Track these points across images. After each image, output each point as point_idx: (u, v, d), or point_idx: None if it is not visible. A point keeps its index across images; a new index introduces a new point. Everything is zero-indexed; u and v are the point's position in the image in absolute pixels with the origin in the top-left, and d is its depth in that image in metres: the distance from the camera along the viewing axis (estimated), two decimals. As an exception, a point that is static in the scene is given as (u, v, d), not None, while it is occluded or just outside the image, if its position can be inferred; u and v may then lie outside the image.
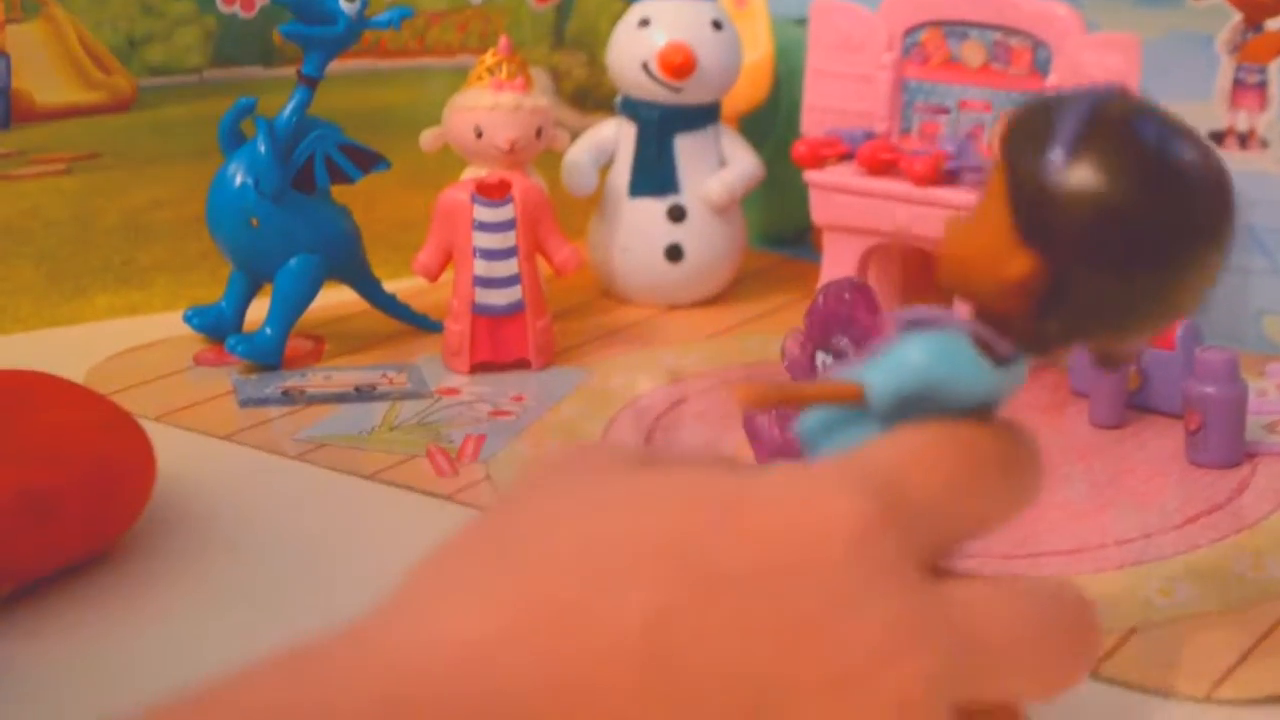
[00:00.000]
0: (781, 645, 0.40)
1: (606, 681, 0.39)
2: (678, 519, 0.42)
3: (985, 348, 0.46)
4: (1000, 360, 0.47)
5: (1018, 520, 0.48)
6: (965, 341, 0.46)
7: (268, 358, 0.90)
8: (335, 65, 0.94)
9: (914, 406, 0.46)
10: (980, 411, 0.47)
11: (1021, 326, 0.46)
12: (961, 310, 0.47)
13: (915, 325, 0.47)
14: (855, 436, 0.47)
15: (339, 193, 0.95)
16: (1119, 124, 0.44)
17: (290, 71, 0.94)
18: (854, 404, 0.47)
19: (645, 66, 1.00)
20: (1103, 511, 0.73)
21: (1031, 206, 0.44)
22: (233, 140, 0.93)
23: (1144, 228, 0.44)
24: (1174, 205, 0.44)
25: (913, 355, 0.46)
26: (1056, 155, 0.44)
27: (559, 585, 0.40)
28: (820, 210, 0.93)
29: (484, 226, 0.90)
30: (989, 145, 0.93)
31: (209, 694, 0.39)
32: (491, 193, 0.91)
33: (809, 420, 0.48)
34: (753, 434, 0.74)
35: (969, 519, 0.46)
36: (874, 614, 0.41)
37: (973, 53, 0.95)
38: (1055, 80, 0.90)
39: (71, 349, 0.93)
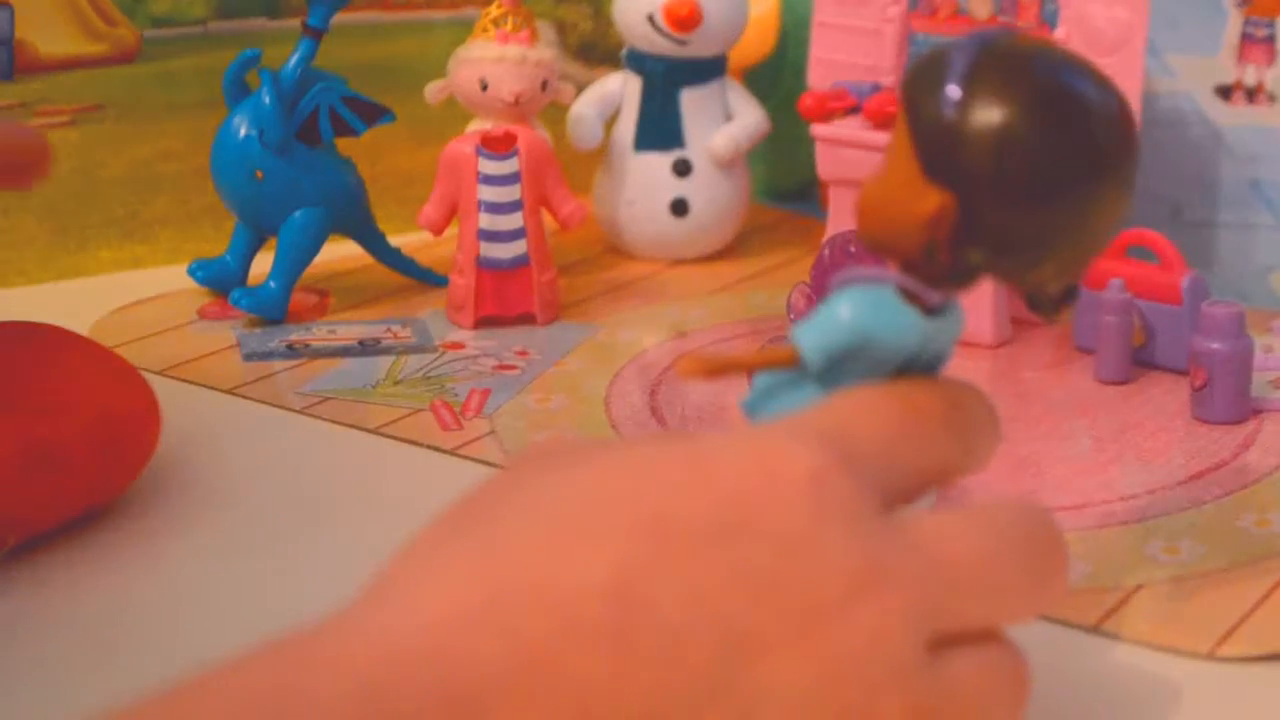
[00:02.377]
0: (746, 595, 0.41)
1: (573, 652, 0.39)
2: (634, 483, 0.43)
3: (912, 298, 0.48)
4: (930, 310, 0.48)
5: (979, 469, 0.50)
6: (891, 293, 0.47)
7: (272, 311, 0.90)
8: (340, 17, 0.93)
9: (850, 363, 0.48)
10: (923, 366, 0.49)
11: (941, 266, 0.47)
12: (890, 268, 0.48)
13: (848, 285, 0.48)
14: (797, 401, 0.48)
15: (344, 145, 0.95)
16: (1010, 59, 0.46)
17: (295, 23, 0.94)
18: (791, 368, 0.48)
19: (651, 19, 1.00)
20: (1107, 467, 0.73)
21: (932, 143, 0.46)
22: (237, 92, 0.93)
23: (1041, 156, 0.45)
24: (1069, 134, 0.46)
25: (839, 311, 0.47)
26: (952, 91, 0.45)
27: (520, 559, 0.41)
28: (826, 164, 0.93)
29: (489, 180, 0.90)
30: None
31: (196, 683, 0.39)
32: (496, 146, 0.90)
33: (753, 389, 0.50)
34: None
35: (922, 469, 0.47)
36: (835, 555, 0.42)
37: (980, 5, 0.94)
38: (1063, 33, 0.90)
39: (76, 302, 0.93)
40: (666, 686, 0.40)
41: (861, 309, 0.47)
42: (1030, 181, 0.45)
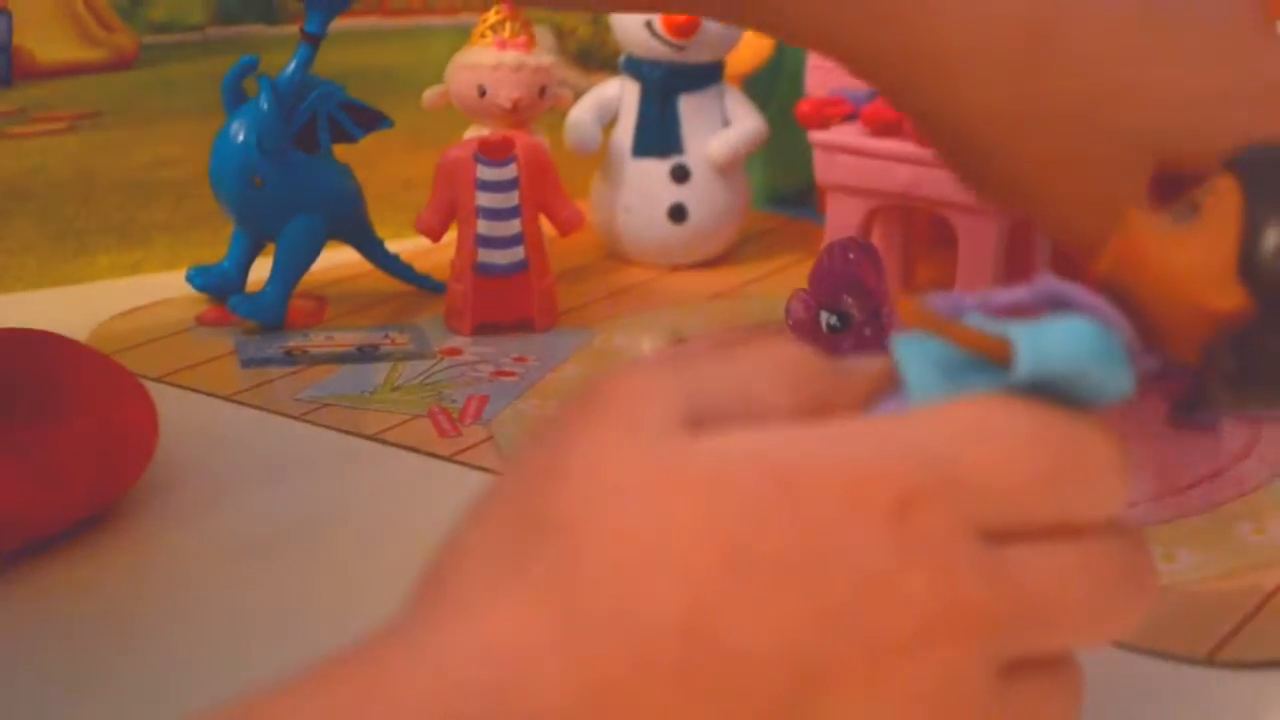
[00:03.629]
0: (820, 630, 0.40)
1: (644, 688, 0.39)
2: (714, 506, 0.40)
3: (1132, 357, 0.44)
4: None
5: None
6: (1121, 345, 0.43)
7: (270, 317, 0.90)
8: (338, 23, 0.93)
9: (1042, 385, 0.43)
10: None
11: (1182, 357, 0.45)
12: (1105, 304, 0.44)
13: (1066, 304, 0.44)
14: (966, 384, 0.44)
15: (341, 152, 0.95)
16: None
17: (293, 29, 0.94)
18: (990, 357, 0.43)
19: (649, 25, 1.00)
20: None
21: (1267, 252, 0.43)
22: (235, 98, 0.93)
23: None
24: None
25: (1076, 342, 0.43)
26: None
27: (595, 588, 0.39)
28: (824, 170, 0.93)
29: (487, 186, 0.90)
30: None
31: (250, 710, 0.39)
32: (494, 152, 0.90)
33: (927, 352, 0.45)
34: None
35: (1041, 519, 0.43)
36: (914, 594, 0.40)
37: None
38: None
39: (74, 308, 0.93)
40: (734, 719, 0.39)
41: (1097, 352, 0.43)
42: None
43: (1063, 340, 0.43)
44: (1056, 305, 0.44)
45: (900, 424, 0.43)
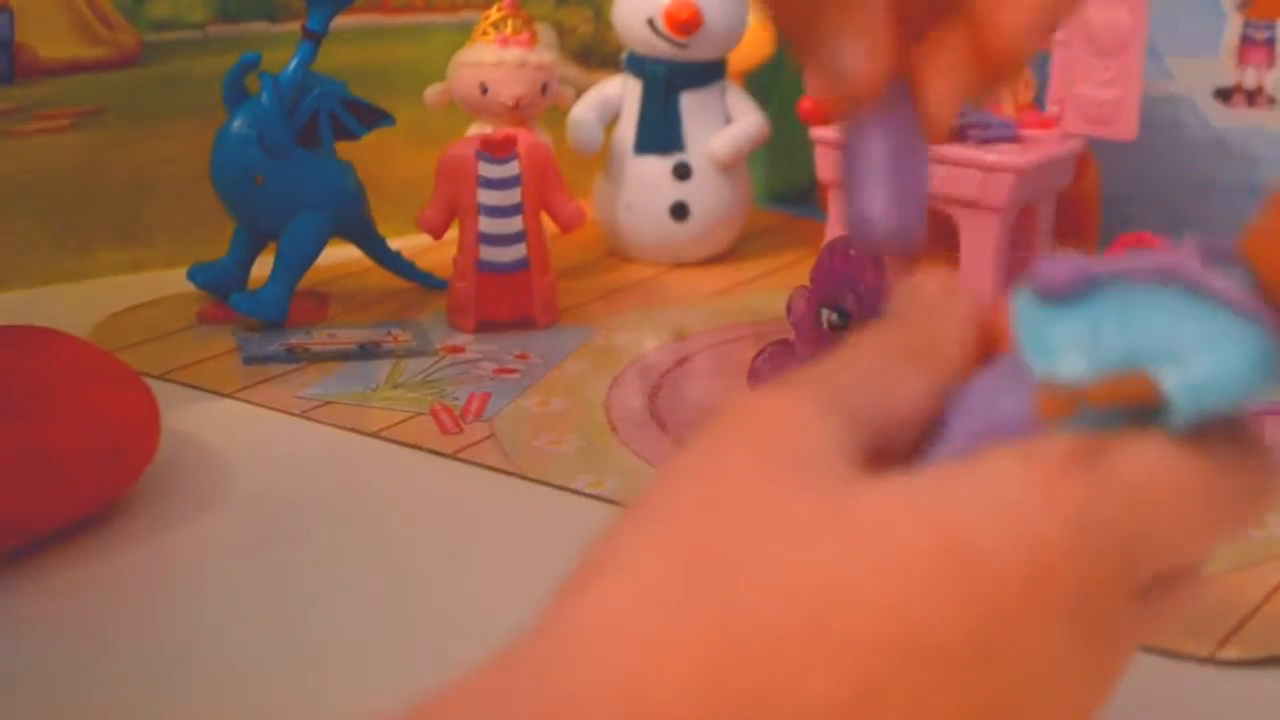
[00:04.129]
0: (985, 715, 0.37)
1: None
2: (885, 574, 0.37)
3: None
4: None
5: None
6: (1272, 354, 0.38)
7: (272, 315, 0.90)
8: (340, 21, 0.93)
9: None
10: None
11: None
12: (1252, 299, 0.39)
13: (1215, 296, 0.38)
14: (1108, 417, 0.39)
15: (343, 149, 0.94)
16: None
17: (295, 27, 0.94)
18: (1142, 404, 0.39)
19: (651, 22, 1.00)
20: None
21: None
22: (237, 96, 0.93)
23: None
24: None
25: (1234, 370, 0.38)
26: None
27: (755, 656, 0.36)
28: (826, 167, 0.93)
29: (489, 183, 0.90)
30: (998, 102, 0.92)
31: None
32: (496, 149, 0.90)
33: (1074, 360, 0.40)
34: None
35: (1195, 561, 0.42)
36: (1078, 688, 0.39)
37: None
38: (1063, 36, 0.90)
39: (76, 306, 0.93)
40: None
41: (1260, 370, 0.38)
42: None
43: (1219, 374, 0.38)
44: (1202, 282, 0.38)
45: (1072, 484, 0.38)
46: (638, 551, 0.38)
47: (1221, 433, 0.39)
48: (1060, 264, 0.40)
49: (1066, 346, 0.39)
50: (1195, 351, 0.38)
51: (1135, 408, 0.39)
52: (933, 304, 0.44)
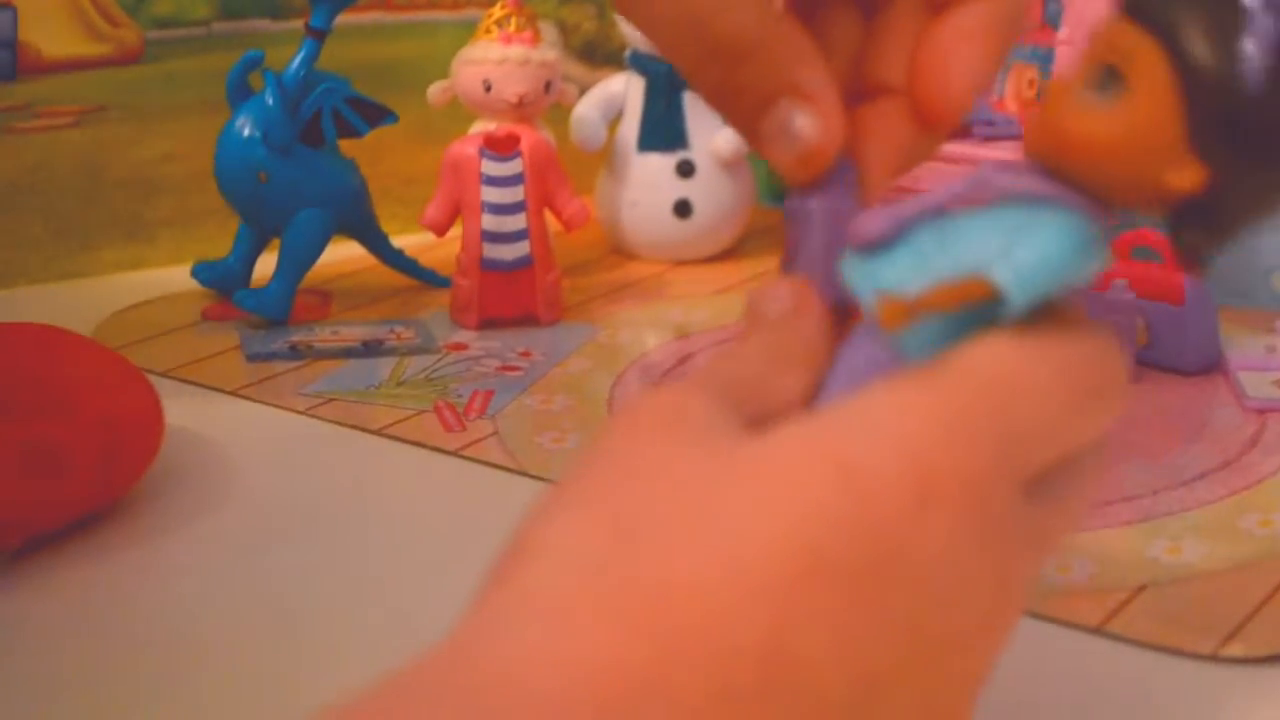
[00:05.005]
0: (888, 637, 0.38)
1: (721, 705, 0.36)
2: (789, 512, 0.38)
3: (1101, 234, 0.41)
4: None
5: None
6: (1090, 228, 0.41)
7: (275, 312, 0.90)
8: (343, 18, 0.93)
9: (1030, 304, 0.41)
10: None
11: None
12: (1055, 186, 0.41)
13: (1018, 198, 0.41)
14: (958, 333, 0.41)
15: (347, 147, 0.95)
16: None
17: (298, 24, 0.94)
18: (977, 304, 0.41)
19: (654, 20, 0.99)
20: (1110, 468, 0.73)
21: (1217, 117, 0.38)
22: (241, 93, 0.93)
23: None
24: None
25: (1054, 254, 0.40)
26: (1258, 54, 0.37)
27: (688, 613, 0.37)
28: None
29: (492, 181, 0.90)
30: (1002, 96, 0.92)
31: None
32: (500, 147, 0.90)
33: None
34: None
35: (1070, 445, 0.43)
36: (983, 588, 0.40)
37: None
38: (1065, 33, 0.90)
39: (79, 303, 0.93)
40: None
41: (1077, 251, 0.40)
42: None
43: (1041, 256, 0.40)
44: (1003, 192, 0.41)
45: (933, 391, 0.40)
46: (560, 529, 0.39)
47: (1062, 320, 0.42)
48: (871, 215, 0.42)
49: (898, 278, 0.42)
50: (1015, 244, 0.40)
51: (974, 312, 0.41)
52: (794, 307, 0.45)
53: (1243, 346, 0.84)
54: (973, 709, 0.42)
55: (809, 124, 0.47)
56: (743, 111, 0.48)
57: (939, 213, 0.42)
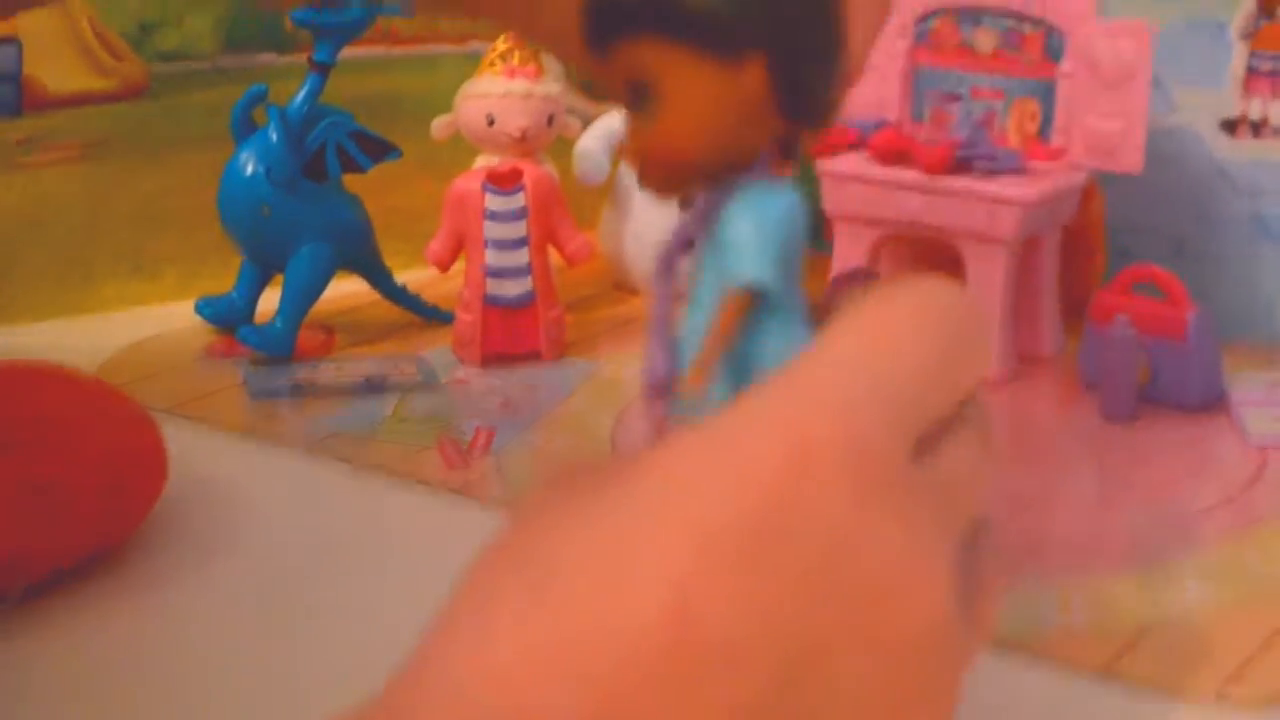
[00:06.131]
0: (799, 600, 0.39)
1: (641, 690, 0.38)
2: (671, 496, 0.40)
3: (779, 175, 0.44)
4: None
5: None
6: (764, 183, 0.44)
7: (279, 349, 0.90)
8: (347, 52, 0.94)
9: (784, 274, 0.44)
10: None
11: (770, 134, 0.44)
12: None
13: (710, 210, 0.44)
14: (781, 343, 0.44)
15: (350, 181, 0.95)
16: None
17: (302, 58, 0.94)
18: (750, 311, 0.43)
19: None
20: (1113, 506, 0.73)
21: (718, 22, 0.42)
22: (245, 128, 0.93)
23: None
24: None
25: (753, 220, 0.43)
26: None
27: (578, 596, 0.39)
28: (832, 200, 0.93)
29: (495, 216, 0.90)
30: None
31: None
32: (503, 182, 0.91)
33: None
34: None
35: (947, 389, 0.44)
36: (880, 542, 0.40)
37: (985, 39, 0.94)
38: (1068, 66, 0.90)
39: (83, 338, 0.94)
40: (734, 707, 0.38)
41: (763, 203, 0.43)
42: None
43: (747, 235, 0.43)
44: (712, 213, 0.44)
45: (814, 370, 0.42)
46: (482, 562, 0.42)
47: (904, 283, 0.44)
48: (652, 362, 0.44)
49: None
50: (732, 255, 0.43)
51: (759, 323, 0.43)
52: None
53: (1245, 382, 0.85)
54: (940, 683, 0.42)
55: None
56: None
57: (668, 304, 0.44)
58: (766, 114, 0.43)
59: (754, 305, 0.43)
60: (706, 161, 0.43)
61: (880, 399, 0.41)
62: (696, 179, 0.44)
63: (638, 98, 0.43)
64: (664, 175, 0.44)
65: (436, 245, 0.92)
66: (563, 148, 1.02)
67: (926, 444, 0.43)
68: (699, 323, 0.44)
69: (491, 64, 0.98)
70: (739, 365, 0.44)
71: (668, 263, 0.45)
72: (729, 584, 0.38)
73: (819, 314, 0.44)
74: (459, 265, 0.92)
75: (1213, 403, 0.83)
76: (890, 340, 0.43)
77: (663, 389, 0.44)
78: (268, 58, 1.05)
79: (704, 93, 0.42)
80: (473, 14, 0.56)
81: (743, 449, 0.40)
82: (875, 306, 0.43)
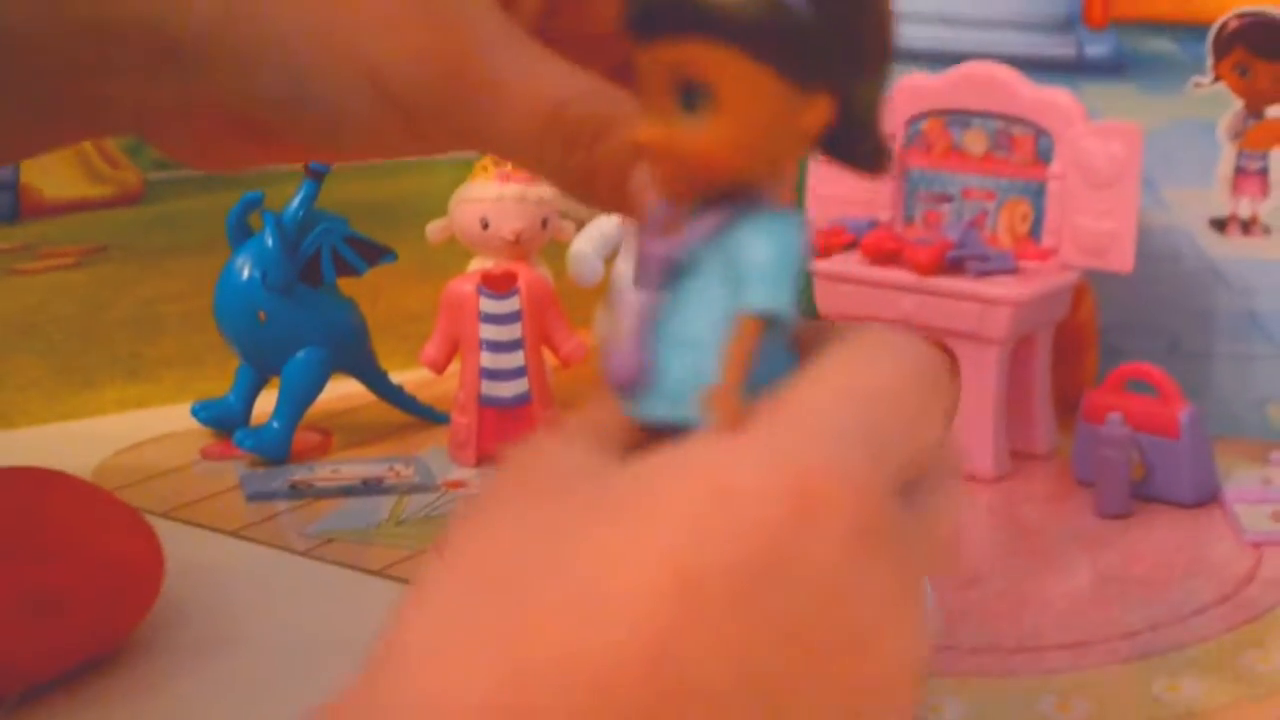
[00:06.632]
0: (780, 645, 0.38)
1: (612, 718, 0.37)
2: (654, 530, 0.38)
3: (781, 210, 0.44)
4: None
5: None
6: (774, 214, 0.43)
7: (275, 451, 0.91)
8: (341, 158, 0.94)
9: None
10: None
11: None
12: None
13: (718, 226, 0.44)
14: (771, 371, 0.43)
15: (346, 285, 0.95)
16: None
17: (297, 165, 0.95)
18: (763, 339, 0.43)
19: (650, 157, 1.00)
20: (1109, 603, 0.73)
21: (802, 52, 0.42)
22: (240, 234, 0.93)
23: (881, 13, 0.44)
24: None
25: (767, 251, 0.43)
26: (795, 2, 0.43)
27: (546, 630, 0.37)
28: (825, 300, 0.93)
29: (490, 318, 0.91)
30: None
31: None
32: (497, 285, 0.91)
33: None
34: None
35: (927, 434, 0.44)
36: (868, 591, 0.40)
37: (975, 141, 0.95)
38: (1058, 168, 0.90)
39: (80, 443, 0.94)
40: None
41: (778, 234, 0.42)
42: (885, 36, 0.44)
43: (762, 264, 0.42)
44: (684, 245, 0.43)
45: (798, 409, 0.41)
46: (431, 595, 0.40)
47: (877, 336, 0.44)
48: (617, 356, 0.44)
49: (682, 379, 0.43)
50: (737, 274, 0.42)
51: (769, 346, 0.42)
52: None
53: (1239, 479, 0.85)
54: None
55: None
56: (605, 187, 0.51)
57: (655, 306, 0.43)
58: (810, 146, 0.44)
59: (765, 332, 0.42)
60: (743, 176, 0.43)
61: (873, 438, 0.41)
62: (724, 191, 0.43)
63: (688, 98, 0.43)
64: (696, 180, 0.43)
65: (432, 348, 0.93)
66: (557, 250, 1.03)
67: (908, 486, 0.42)
68: (694, 332, 0.43)
69: (485, 168, 0.98)
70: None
71: (663, 266, 0.44)
72: (713, 629, 0.37)
73: (799, 341, 0.45)
74: (455, 366, 0.92)
75: (1207, 499, 0.83)
76: (877, 380, 0.42)
77: (631, 385, 0.44)
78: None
79: (768, 110, 0.42)
80: (430, 149, 0.55)
81: (741, 487, 0.39)
82: (859, 344, 0.43)
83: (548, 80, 0.50)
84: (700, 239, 0.43)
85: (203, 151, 0.57)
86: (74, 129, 0.61)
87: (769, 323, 0.42)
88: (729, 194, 0.43)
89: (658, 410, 0.43)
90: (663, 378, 0.43)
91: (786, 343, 0.43)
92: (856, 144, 0.44)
